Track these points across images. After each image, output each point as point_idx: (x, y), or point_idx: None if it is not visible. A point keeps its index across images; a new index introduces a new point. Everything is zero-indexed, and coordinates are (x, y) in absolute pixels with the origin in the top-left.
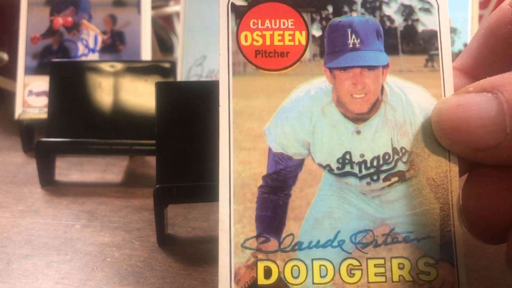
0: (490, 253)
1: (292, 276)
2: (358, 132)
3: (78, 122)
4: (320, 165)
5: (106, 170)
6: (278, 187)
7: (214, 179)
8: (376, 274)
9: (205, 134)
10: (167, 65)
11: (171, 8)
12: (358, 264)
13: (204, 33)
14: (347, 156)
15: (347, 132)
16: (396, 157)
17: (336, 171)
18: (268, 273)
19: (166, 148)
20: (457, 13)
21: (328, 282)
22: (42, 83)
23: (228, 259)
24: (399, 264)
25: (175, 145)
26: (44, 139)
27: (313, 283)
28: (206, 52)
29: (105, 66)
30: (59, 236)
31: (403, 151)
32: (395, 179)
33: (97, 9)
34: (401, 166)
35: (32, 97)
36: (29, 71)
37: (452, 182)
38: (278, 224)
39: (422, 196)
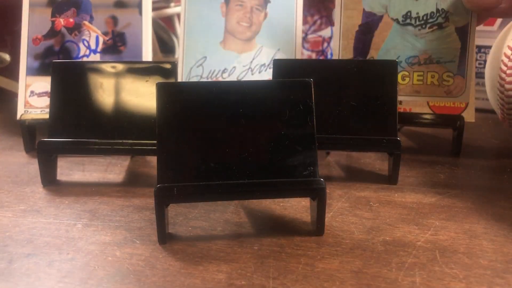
0: (489, 253)
1: None
2: None
3: (79, 122)
4: (392, 18)
5: (108, 170)
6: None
7: (214, 179)
8: (417, 80)
9: (205, 134)
10: (168, 66)
11: (171, 10)
12: (408, 74)
13: (204, 34)
14: (408, 14)
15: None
16: (437, 14)
17: (401, 23)
18: None
19: (166, 148)
20: None
21: None
22: (43, 83)
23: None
24: (432, 75)
25: (175, 145)
26: (46, 139)
27: None
28: (206, 53)
29: (107, 67)
30: (60, 235)
31: (443, 10)
32: (436, 27)
33: (98, 10)
34: (440, 20)
35: (33, 97)
36: (30, 72)
37: (471, 29)
38: (366, 51)
39: (451, 37)
